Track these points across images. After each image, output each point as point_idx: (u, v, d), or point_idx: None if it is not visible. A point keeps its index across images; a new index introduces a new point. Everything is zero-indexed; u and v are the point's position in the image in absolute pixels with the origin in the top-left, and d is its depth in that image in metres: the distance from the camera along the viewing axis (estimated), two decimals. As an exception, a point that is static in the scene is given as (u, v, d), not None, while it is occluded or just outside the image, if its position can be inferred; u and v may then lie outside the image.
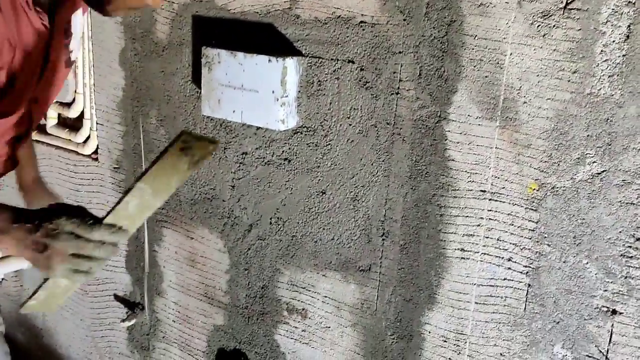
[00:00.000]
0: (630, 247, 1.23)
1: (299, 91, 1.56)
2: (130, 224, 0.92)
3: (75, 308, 2.35)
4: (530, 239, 1.34)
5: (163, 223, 1.98)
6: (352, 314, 1.63)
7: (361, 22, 1.45)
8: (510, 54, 1.28)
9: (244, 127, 1.70)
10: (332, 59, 1.51)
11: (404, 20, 1.39)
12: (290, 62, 1.50)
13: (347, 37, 1.48)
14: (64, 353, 2.50)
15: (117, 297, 2.21)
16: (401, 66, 1.42)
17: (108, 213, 0.89)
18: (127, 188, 0.88)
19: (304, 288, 1.71)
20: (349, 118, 1.52)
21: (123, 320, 2.13)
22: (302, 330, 1.74)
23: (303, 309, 1.73)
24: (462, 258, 1.43)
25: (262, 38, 1.61)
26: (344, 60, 1.50)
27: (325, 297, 1.67)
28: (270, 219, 1.73)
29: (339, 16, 1.48)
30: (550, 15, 1.22)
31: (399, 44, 1.41)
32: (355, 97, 1.50)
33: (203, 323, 1.98)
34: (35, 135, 2.26)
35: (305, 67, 1.55)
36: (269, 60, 1.50)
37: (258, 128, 1.66)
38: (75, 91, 2.09)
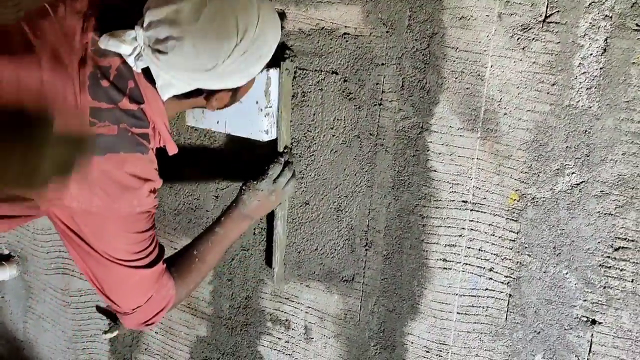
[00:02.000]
0: (608, 257, 1.24)
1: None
2: (288, 140, 1.58)
3: (57, 320, 2.33)
4: (511, 249, 1.35)
5: (146, 233, 1.97)
6: (335, 324, 1.63)
7: (344, 33, 1.46)
8: (491, 66, 1.30)
9: (228, 137, 1.70)
10: (315, 70, 1.52)
11: (387, 32, 1.41)
12: (274, 73, 1.51)
13: (331, 48, 1.49)
14: (45, 365, 2.47)
15: (99, 309, 2.19)
16: (384, 77, 1.43)
17: (277, 146, 1.55)
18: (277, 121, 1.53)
19: (288, 299, 1.70)
20: (332, 129, 1.53)
21: (105, 332, 2.11)
22: (286, 341, 1.73)
23: (286, 320, 1.72)
24: (444, 268, 1.44)
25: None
26: (328, 72, 1.51)
27: (309, 307, 1.67)
28: (254, 229, 1.72)
29: (323, 28, 1.49)
30: (530, 29, 1.24)
31: (381, 55, 1.42)
32: (338, 108, 1.51)
33: (186, 334, 1.96)
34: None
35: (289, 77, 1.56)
36: (253, 71, 1.50)
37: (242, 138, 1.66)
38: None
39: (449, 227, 1.41)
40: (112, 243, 1.17)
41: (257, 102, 1.51)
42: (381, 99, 1.44)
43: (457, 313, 1.44)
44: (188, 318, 1.94)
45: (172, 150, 1.28)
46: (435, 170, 1.41)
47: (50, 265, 2.27)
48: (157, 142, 1.24)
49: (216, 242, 1.41)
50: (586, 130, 1.23)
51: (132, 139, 1.16)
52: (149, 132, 1.19)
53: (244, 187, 1.47)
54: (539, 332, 1.34)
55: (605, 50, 1.18)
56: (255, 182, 1.46)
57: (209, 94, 1.22)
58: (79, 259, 1.21)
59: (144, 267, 1.22)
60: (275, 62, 1.56)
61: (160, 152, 1.28)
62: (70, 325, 2.29)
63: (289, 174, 1.51)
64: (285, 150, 1.55)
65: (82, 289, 2.21)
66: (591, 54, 1.19)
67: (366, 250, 1.54)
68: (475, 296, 1.41)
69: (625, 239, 1.22)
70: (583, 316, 1.29)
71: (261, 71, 1.48)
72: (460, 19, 1.31)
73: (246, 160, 1.69)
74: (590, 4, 1.18)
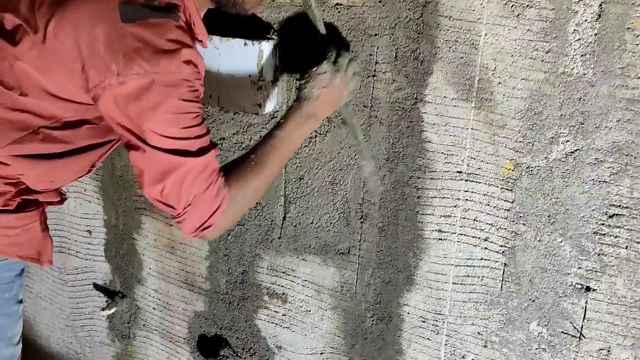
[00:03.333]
0: (602, 224, 1.25)
1: (277, 75, 1.55)
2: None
3: (55, 298, 2.34)
4: (506, 218, 1.35)
5: (142, 211, 1.97)
6: (331, 297, 1.64)
7: (337, 4, 1.45)
8: (485, 35, 1.28)
9: (221, 112, 1.69)
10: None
11: (380, 1, 1.39)
12: (266, 46, 1.49)
13: (323, 19, 1.47)
14: (44, 344, 2.48)
15: (96, 286, 2.19)
16: (377, 48, 1.42)
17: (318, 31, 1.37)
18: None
19: (284, 272, 1.71)
20: (326, 101, 1.52)
21: (103, 309, 2.12)
22: (283, 315, 1.74)
23: (283, 294, 1.73)
24: (439, 239, 1.44)
25: (238, 21, 1.60)
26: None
27: (305, 281, 1.67)
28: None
29: (315, -1, 1.47)
30: (524, -4, 1.23)
31: (374, 26, 1.41)
32: (332, 80, 1.50)
33: (184, 310, 1.97)
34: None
35: (280, 50, 1.54)
36: (245, 44, 1.49)
37: (235, 113, 1.65)
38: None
39: (444, 197, 1.41)
40: (156, 114, 1.11)
41: (249, 76, 1.50)
42: (375, 70, 1.43)
43: (453, 283, 1.44)
44: (185, 294, 1.94)
45: (203, 36, 1.26)
46: (429, 141, 1.40)
47: (46, 244, 2.27)
48: (194, 31, 1.23)
49: (276, 145, 1.27)
50: (581, 98, 1.22)
51: (160, 7, 1.15)
52: (178, 3, 1.18)
53: (302, 82, 1.32)
54: (534, 300, 1.35)
55: (599, 16, 1.17)
56: (314, 69, 1.31)
57: None
58: (132, 156, 1.18)
59: (192, 155, 1.14)
60: (266, 35, 1.54)
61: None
62: (68, 303, 2.30)
63: (349, 55, 1.35)
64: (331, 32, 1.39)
65: (79, 267, 2.21)
66: (585, 20, 1.18)
67: (361, 222, 1.54)
68: (470, 266, 1.42)
69: (619, 205, 1.22)
70: (577, 283, 1.30)
71: (253, 45, 1.48)
72: (454, -13, 1.29)
73: (240, 135, 1.68)
74: (584, -31, 1.16)
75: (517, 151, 1.31)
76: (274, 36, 1.54)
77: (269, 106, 1.55)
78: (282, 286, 1.72)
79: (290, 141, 1.29)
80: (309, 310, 1.69)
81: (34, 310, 2.45)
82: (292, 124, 1.29)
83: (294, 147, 1.32)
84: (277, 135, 1.27)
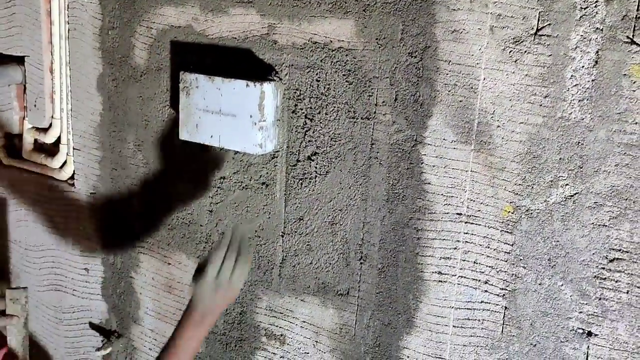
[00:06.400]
0: (603, 268, 1.24)
1: (278, 116, 1.57)
2: None
3: (49, 337, 2.30)
4: (506, 261, 1.35)
5: (140, 249, 1.96)
6: (330, 339, 1.62)
7: (338, 47, 1.47)
8: (484, 79, 1.30)
9: (221, 152, 1.70)
10: (309, 84, 1.53)
11: (380, 45, 1.41)
12: (268, 87, 1.51)
13: (324, 62, 1.50)
14: (37, 384, 2.44)
15: (92, 325, 2.16)
16: (377, 91, 1.44)
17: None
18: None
19: (282, 313, 1.69)
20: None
21: (98, 349, 2.09)
22: (281, 357, 1.72)
23: (281, 335, 1.71)
24: (439, 281, 1.43)
25: (240, 63, 1.62)
26: (321, 85, 1.51)
27: (304, 322, 1.66)
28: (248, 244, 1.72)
29: (316, 42, 1.49)
30: (522, 42, 1.25)
31: (375, 69, 1.43)
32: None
33: (180, 350, 1.94)
34: (10, 161, 2.23)
35: (282, 91, 1.56)
36: (247, 85, 1.51)
37: (236, 152, 1.66)
38: (52, 116, 2.07)
39: (444, 239, 1.41)
40: None
41: (250, 116, 1.52)
42: (375, 112, 1.45)
43: (453, 326, 1.43)
44: (182, 334, 1.92)
45: None
46: (429, 183, 1.41)
47: (43, 282, 2.25)
48: None
49: (179, 354, 1.27)
50: (579, 142, 1.23)
51: None
52: None
53: (194, 286, 1.33)
54: (535, 344, 1.34)
55: (596, 62, 1.19)
56: (203, 279, 1.30)
57: None
58: None
59: None
60: (264, 76, 1.57)
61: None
62: (63, 342, 2.26)
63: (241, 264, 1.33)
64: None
65: (75, 306, 2.19)
66: (583, 66, 1.20)
67: (361, 263, 1.53)
68: (470, 309, 1.40)
69: (619, 250, 1.22)
70: (579, 328, 1.29)
71: (255, 86, 1.50)
72: (453, 32, 1.32)
73: (240, 175, 1.69)
74: (581, 17, 1.19)
75: (517, 194, 1.31)
76: (275, 77, 1.56)
77: (270, 146, 1.57)
78: (280, 327, 1.70)
79: (191, 343, 1.28)
80: (308, 353, 1.66)
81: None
82: (190, 329, 1.28)
83: (197, 347, 1.30)
84: (178, 343, 1.27)
